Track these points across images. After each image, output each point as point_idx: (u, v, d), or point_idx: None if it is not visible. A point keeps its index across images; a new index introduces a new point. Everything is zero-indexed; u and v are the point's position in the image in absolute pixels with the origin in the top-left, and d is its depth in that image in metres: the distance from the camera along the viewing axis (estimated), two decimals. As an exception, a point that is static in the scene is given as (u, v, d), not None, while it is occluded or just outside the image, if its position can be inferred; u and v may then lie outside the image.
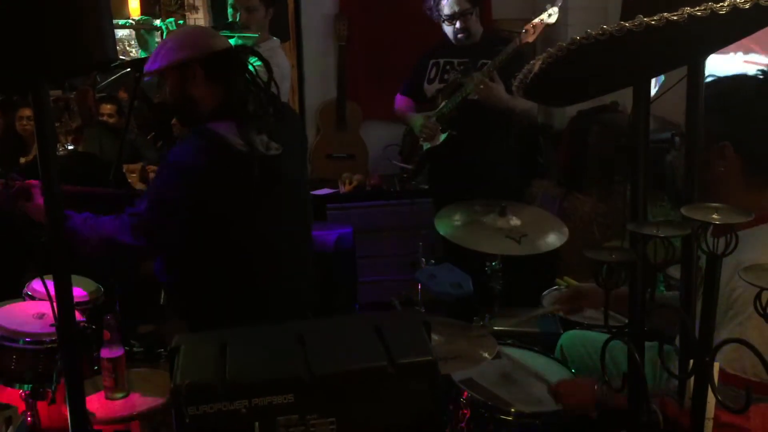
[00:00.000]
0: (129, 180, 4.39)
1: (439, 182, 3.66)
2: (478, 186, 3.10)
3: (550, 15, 2.98)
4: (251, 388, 1.25)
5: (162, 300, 2.82)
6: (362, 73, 4.63)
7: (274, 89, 2.15)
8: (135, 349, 2.93)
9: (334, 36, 4.57)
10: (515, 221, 2.65)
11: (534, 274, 2.94)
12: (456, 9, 3.24)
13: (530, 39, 2.99)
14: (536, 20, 3.00)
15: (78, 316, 2.22)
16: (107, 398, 2.11)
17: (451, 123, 3.30)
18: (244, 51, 2.18)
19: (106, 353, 2.10)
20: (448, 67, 3.39)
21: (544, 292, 2.75)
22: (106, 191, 2.74)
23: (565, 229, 2.68)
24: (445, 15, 3.28)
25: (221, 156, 2.00)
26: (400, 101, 3.60)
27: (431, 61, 3.46)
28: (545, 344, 2.37)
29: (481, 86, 3.07)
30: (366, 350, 1.35)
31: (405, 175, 3.74)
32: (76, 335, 1.68)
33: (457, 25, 3.27)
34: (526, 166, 3.69)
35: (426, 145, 3.42)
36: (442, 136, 3.33)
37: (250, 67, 2.13)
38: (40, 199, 2.05)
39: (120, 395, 2.12)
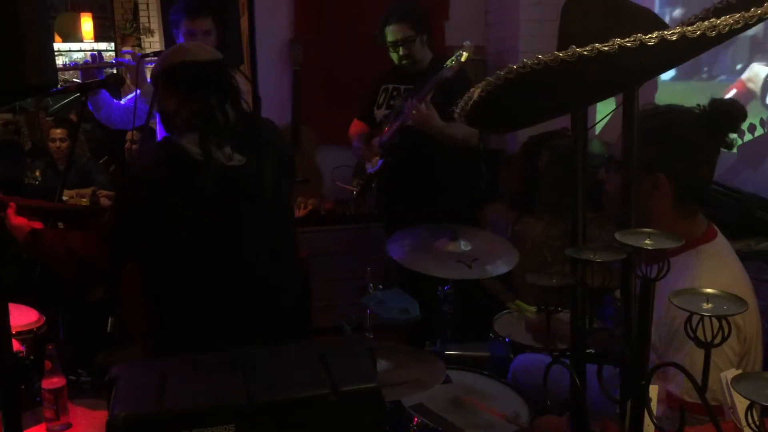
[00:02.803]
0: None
1: (386, 207, 3.67)
2: (424, 210, 3.12)
3: (462, 54, 3.02)
4: (191, 418, 1.23)
5: (109, 328, 2.76)
6: (317, 98, 4.64)
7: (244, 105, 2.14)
8: (82, 379, 2.85)
9: (289, 61, 4.59)
10: (466, 246, 2.67)
11: (486, 298, 2.96)
12: (399, 36, 3.26)
13: (449, 75, 3.02)
14: (452, 61, 3.03)
15: (17, 345, 2.17)
16: (48, 430, 2.05)
17: (393, 149, 3.31)
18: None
19: (46, 384, 2.04)
20: (395, 93, 3.42)
21: (496, 316, 2.77)
22: (72, 206, 2.70)
23: (516, 253, 2.71)
24: (389, 42, 3.30)
25: (175, 162, 2.01)
26: (353, 125, 3.63)
27: (382, 87, 3.49)
28: (495, 368, 2.37)
29: (414, 112, 3.08)
30: (309, 378, 1.34)
31: (353, 196, 3.75)
32: (14, 366, 1.63)
33: (401, 52, 3.29)
34: (474, 191, 3.71)
35: (369, 169, 3.44)
36: (379, 162, 3.36)
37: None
38: (14, 220, 2.12)
39: (61, 427, 2.05)
